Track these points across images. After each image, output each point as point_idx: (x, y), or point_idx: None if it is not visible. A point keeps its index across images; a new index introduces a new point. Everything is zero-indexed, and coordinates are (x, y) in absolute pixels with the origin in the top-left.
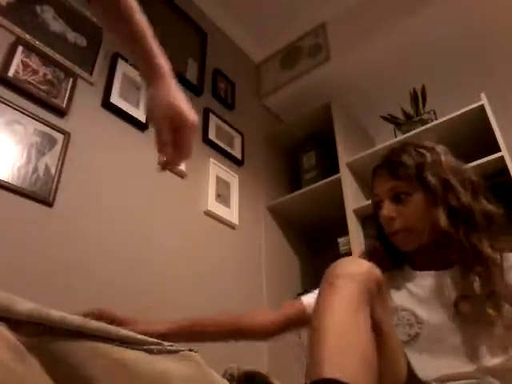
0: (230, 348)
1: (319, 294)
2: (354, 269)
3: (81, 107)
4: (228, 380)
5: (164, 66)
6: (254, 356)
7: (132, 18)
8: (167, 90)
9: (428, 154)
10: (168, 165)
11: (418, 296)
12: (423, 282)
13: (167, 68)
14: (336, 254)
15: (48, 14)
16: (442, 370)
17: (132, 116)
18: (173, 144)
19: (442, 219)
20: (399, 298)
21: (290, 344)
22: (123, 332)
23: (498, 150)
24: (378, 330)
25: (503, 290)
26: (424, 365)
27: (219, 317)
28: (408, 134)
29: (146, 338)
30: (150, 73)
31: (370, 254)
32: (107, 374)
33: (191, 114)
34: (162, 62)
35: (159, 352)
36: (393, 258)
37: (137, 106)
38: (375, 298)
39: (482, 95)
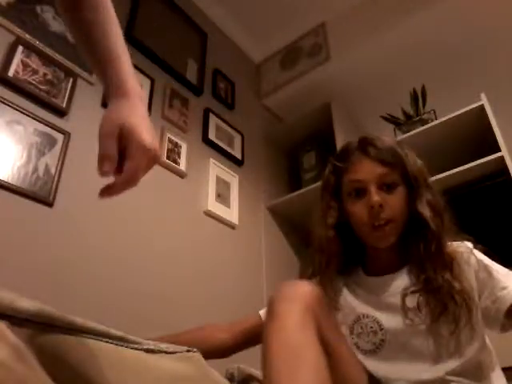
0: None
1: (265, 321)
2: (293, 291)
3: (81, 107)
4: (228, 379)
5: (135, 86)
6: (254, 356)
7: (107, 32)
8: (129, 109)
9: (403, 149)
10: (107, 190)
11: (376, 303)
12: (379, 288)
13: (138, 90)
14: None
15: (48, 14)
16: (411, 377)
17: None
18: (116, 168)
19: (426, 210)
20: (358, 305)
21: None
22: (121, 333)
23: (498, 150)
24: (326, 348)
25: (458, 285)
26: (393, 374)
27: (185, 335)
28: (408, 134)
29: (143, 341)
30: (115, 90)
31: (323, 246)
32: (107, 373)
33: (148, 140)
34: (132, 83)
35: (159, 352)
36: (347, 256)
37: None
38: (319, 316)
39: (482, 95)
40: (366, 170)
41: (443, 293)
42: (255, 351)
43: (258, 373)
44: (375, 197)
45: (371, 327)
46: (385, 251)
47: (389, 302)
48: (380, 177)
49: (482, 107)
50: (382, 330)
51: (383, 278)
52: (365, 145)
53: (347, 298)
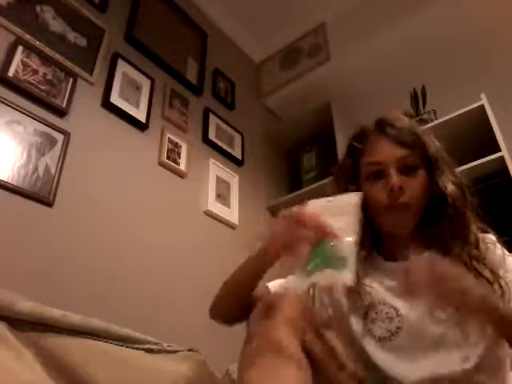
0: (230, 348)
1: (243, 343)
2: (275, 306)
3: (81, 107)
4: (229, 379)
5: None
6: None
7: None
8: None
9: (422, 129)
10: None
11: (394, 289)
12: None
13: None
14: None
15: (48, 14)
16: (424, 372)
17: (132, 116)
18: None
19: (449, 186)
20: (375, 290)
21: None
22: (124, 331)
23: (498, 149)
24: (311, 358)
25: (484, 265)
26: (406, 365)
27: None
28: None
29: (146, 337)
30: None
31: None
32: (107, 373)
33: None
34: None
35: (159, 352)
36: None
37: (137, 106)
38: (304, 329)
39: (482, 95)
40: (386, 152)
41: (469, 271)
42: None
43: None
44: (395, 178)
45: (387, 313)
46: (403, 238)
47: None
48: (400, 159)
49: (482, 107)
50: (398, 316)
51: (403, 263)
52: (383, 125)
53: (363, 281)
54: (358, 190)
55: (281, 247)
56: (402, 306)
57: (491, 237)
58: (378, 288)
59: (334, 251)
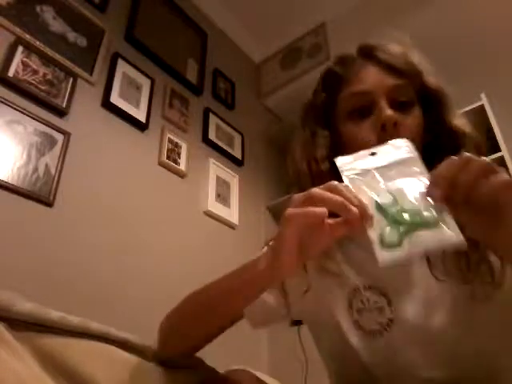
0: (230, 348)
1: None
2: None
3: (81, 107)
4: None
5: None
6: (254, 356)
7: None
8: None
9: (423, 61)
10: None
11: (383, 269)
12: None
13: None
14: None
15: (48, 14)
16: (421, 373)
17: (132, 116)
18: None
19: (459, 122)
20: (358, 271)
21: (290, 344)
22: (123, 335)
23: (498, 150)
24: None
25: None
26: (397, 367)
27: None
28: None
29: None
30: None
31: (303, 178)
32: (106, 373)
33: None
34: None
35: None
36: None
37: (137, 106)
38: None
39: (482, 95)
40: (374, 80)
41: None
42: (255, 351)
43: (259, 374)
44: (388, 111)
45: (375, 302)
46: None
47: (402, 268)
48: (393, 89)
49: (482, 107)
50: (390, 306)
51: None
52: (370, 50)
53: (342, 262)
54: (332, 134)
55: (299, 250)
56: (393, 290)
57: None
58: (362, 269)
59: (417, 210)
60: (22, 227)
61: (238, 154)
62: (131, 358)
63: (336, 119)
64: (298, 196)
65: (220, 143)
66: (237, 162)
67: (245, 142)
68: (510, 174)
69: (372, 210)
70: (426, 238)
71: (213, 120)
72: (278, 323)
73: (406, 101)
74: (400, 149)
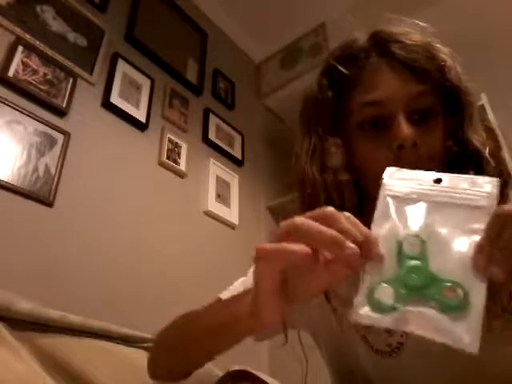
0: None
1: None
2: None
3: (81, 107)
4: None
5: None
6: (254, 356)
7: None
8: None
9: (447, 51)
10: None
11: None
12: None
13: None
14: None
15: (48, 14)
16: None
17: (132, 116)
18: None
19: (488, 142)
20: None
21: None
22: (124, 330)
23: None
24: None
25: None
26: None
27: None
28: None
29: (146, 335)
30: None
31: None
32: (107, 371)
33: None
34: None
35: None
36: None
37: (137, 106)
38: None
39: (482, 95)
40: (390, 86)
41: None
42: (255, 351)
43: (259, 374)
44: (406, 129)
45: None
46: None
47: None
48: (412, 98)
49: (482, 107)
50: None
51: None
52: (384, 42)
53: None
54: (345, 144)
55: (282, 295)
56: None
57: None
58: None
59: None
60: (22, 227)
61: (238, 154)
62: (133, 354)
63: (345, 126)
64: (281, 225)
65: (220, 143)
66: (237, 162)
67: (245, 142)
68: (510, 174)
69: (386, 249)
70: (429, 324)
71: (213, 120)
72: (281, 333)
73: (428, 109)
74: (478, 188)
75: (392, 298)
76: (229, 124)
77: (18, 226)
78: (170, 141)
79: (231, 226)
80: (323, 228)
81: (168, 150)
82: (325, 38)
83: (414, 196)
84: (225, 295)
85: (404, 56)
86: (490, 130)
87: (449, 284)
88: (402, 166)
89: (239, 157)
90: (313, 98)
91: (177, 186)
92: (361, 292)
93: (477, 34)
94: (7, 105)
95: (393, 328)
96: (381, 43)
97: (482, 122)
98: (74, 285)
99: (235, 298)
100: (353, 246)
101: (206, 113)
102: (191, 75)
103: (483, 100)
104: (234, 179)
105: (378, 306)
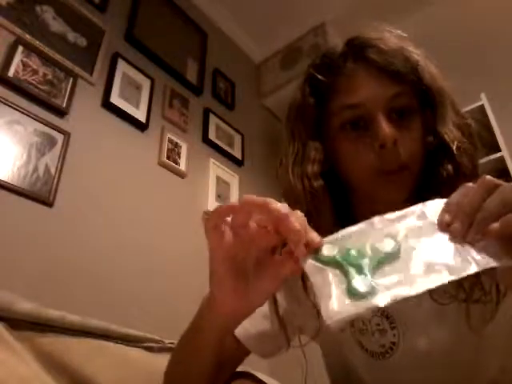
0: None
1: None
2: None
3: (81, 107)
4: None
5: None
6: (254, 356)
7: None
8: None
9: (420, 53)
10: None
11: None
12: None
13: None
14: None
15: (48, 14)
16: None
17: (132, 116)
18: None
19: (452, 133)
20: None
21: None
22: (124, 330)
23: (498, 150)
24: None
25: None
26: None
27: None
28: None
29: (146, 335)
30: None
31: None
32: (107, 372)
33: None
34: None
35: (160, 350)
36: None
37: (137, 106)
38: None
39: (482, 95)
40: (369, 89)
41: None
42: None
43: (259, 374)
44: (387, 129)
45: (377, 324)
46: (388, 211)
47: None
48: (391, 99)
49: (482, 107)
50: (393, 328)
51: None
52: (360, 47)
53: None
54: (325, 147)
55: (237, 291)
56: (396, 311)
57: None
58: None
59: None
60: (21, 227)
61: (238, 154)
62: (133, 354)
63: (328, 129)
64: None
65: (220, 143)
66: (237, 162)
67: (245, 142)
68: (510, 174)
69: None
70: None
71: (213, 120)
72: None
73: (405, 108)
74: (429, 210)
75: (362, 283)
76: (229, 124)
77: (18, 226)
78: (170, 141)
79: None
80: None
81: (168, 150)
82: (324, 38)
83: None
84: None
85: (379, 60)
86: (468, 127)
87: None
88: (384, 164)
89: (239, 157)
90: (296, 105)
91: (177, 185)
92: (332, 292)
93: (477, 34)
94: (7, 105)
95: (381, 306)
96: (357, 49)
97: (464, 119)
98: (74, 285)
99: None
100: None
101: (206, 113)
102: (191, 75)
103: (483, 100)
104: (233, 179)
105: (354, 293)
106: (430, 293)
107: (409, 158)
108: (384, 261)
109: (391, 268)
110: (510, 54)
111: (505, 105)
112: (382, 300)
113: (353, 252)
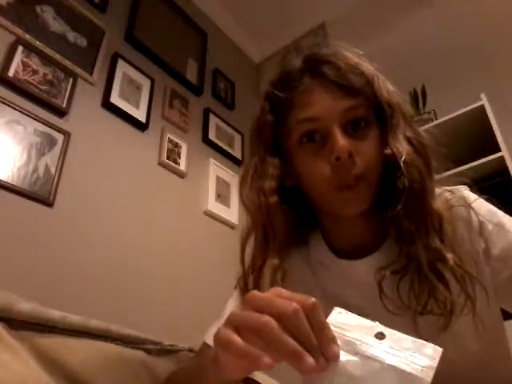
0: None
1: None
2: None
3: (81, 107)
4: None
5: None
6: None
7: None
8: None
9: (373, 69)
10: None
11: (355, 303)
12: (354, 274)
13: None
14: None
15: (48, 14)
16: None
17: (132, 116)
18: None
19: (401, 146)
20: (332, 298)
21: None
22: (124, 331)
23: (498, 150)
24: None
25: (451, 256)
26: None
27: None
28: None
29: (146, 337)
30: None
31: (259, 219)
32: (106, 373)
33: None
34: None
35: (158, 353)
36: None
37: (137, 106)
38: None
39: (482, 95)
40: (324, 103)
41: (431, 270)
42: None
43: (259, 375)
44: (341, 141)
45: None
46: (353, 222)
47: (372, 296)
48: (345, 112)
49: (482, 107)
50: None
51: (362, 260)
52: (316, 64)
53: (312, 286)
54: (283, 162)
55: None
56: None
57: (462, 194)
58: (335, 295)
59: None
60: (21, 227)
61: (238, 154)
62: (132, 356)
63: (287, 145)
64: (246, 317)
65: (220, 143)
66: (237, 162)
67: (245, 142)
68: (510, 174)
69: None
70: None
71: (213, 120)
72: None
73: (361, 120)
74: (418, 357)
75: None
76: (229, 124)
77: (18, 226)
78: (170, 141)
79: (231, 226)
80: (285, 337)
81: (168, 150)
82: (325, 38)
83: (355, 346)
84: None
85: (334, 75)
86: (421, 141)
87: None
88: (341, 178)
89: (239, 157)
90: (256, 121)
91: (177, 185)
92: None
93: (477, 34)
94: (7, 105)
95: None
96: (313, 65)
97: (417, 133)
98: (74, 285)
99: (201, 351)
100: (311, 360)
101: (206, 113)
102: (191, 75)
103: (483, 100)
104: (233, 179)
105: None
106: (384, 304)
107: (365, 168)
108: None
109: None
110: (510, 54)
111: (505, 105)
112: None
113: None
